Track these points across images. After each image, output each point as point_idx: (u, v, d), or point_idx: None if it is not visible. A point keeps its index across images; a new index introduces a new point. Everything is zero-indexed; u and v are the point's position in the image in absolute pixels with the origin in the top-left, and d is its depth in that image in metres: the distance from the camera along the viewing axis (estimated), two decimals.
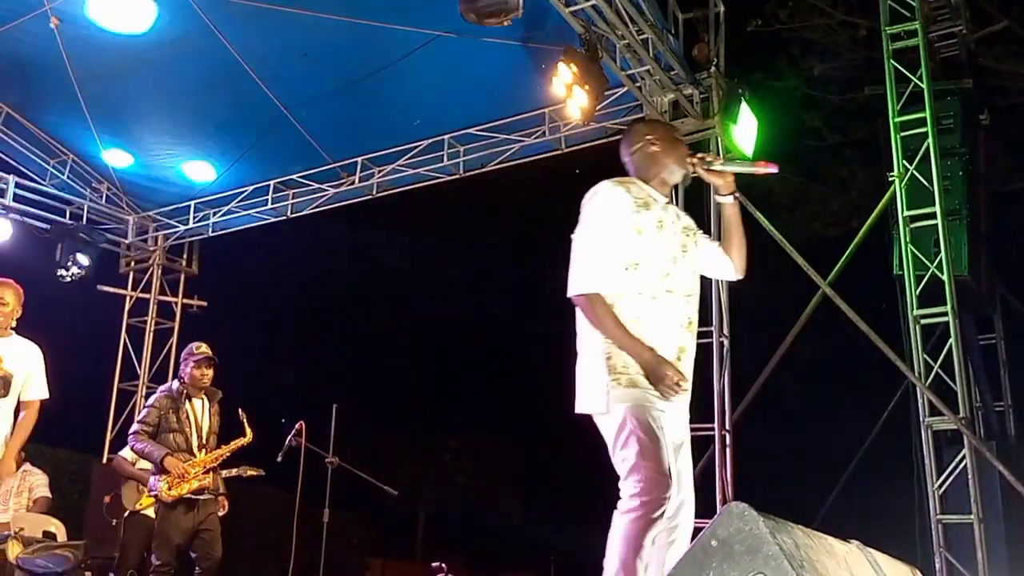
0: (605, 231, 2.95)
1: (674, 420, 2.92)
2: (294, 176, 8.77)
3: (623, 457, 2.78)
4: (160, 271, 9.71)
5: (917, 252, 6.25)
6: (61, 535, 6.43)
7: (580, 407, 2.93)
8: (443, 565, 6.65)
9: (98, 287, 9.26)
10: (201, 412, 5.73)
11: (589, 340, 2.94)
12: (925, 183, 6.27)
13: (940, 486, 5.81)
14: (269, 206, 8.97)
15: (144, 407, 5.77)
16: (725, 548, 1.87)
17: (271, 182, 8.88)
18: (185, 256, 9.89)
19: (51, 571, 5.48)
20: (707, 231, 3.32)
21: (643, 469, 2.71)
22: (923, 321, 6.11)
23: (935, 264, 6.14)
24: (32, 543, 5.61)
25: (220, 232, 9.45)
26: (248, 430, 5.74)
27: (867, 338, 6.14)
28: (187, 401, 5.66)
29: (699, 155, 3.13)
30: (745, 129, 6.71)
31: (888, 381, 7.04)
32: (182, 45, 7.13)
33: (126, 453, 6.34)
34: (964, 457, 5.75)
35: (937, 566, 5.66)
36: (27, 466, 6.48)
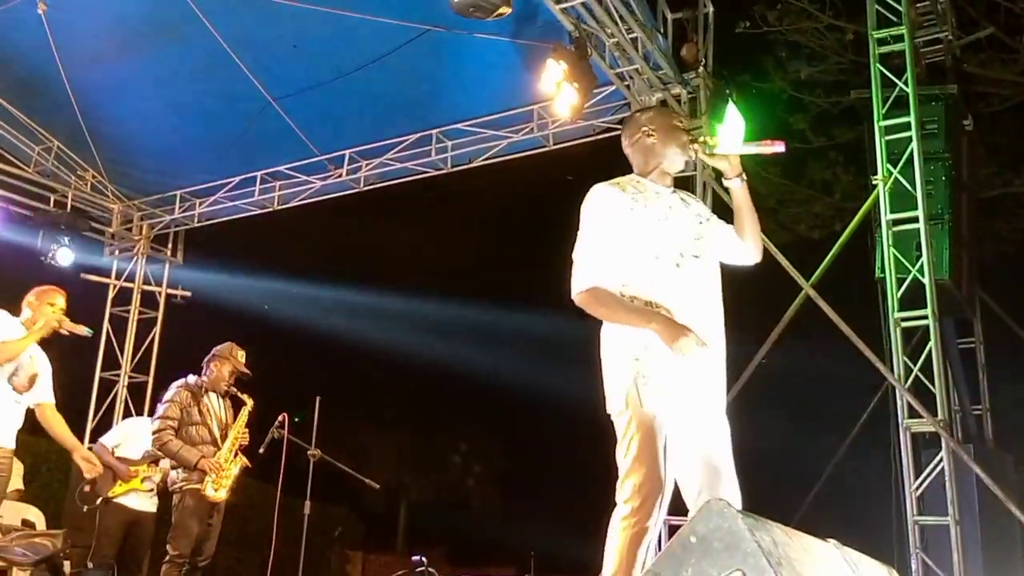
0: (603, 232, 2.93)
1: (704, 423, 2.87)
2: (281, 168, 8.75)
3: (623, 459, 2.78)
4: (144, 260, 9.67)
5: (899, 256, 6.29)
6: (40, 524, 6.40)
7: (608, 406, 2.89)
8: (423, 559, 6.65)
9: (81, 275, 9.20)
10: (217, 406, 5.83)
11: (613, 339, 2.90)
12: (908, 187, 6.32)
13: (917, 488, 5.86)
14: (256, 197, 8.94)
15: (162, 402, 5.77)
16: (704, 544, 1.88)
17: (258, 173, 8.84)
18: (170, 246, 9.84)
19: (30, 559, 5.45)
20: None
21: (638, 475, 2.71)
22: (904, 324, 6.16)
23: (917, 268, 6.19)
24: (11, 531, 5.59)
25: (206, 222, 9.41)
26: (244, 397, 5.81)
27: (848, 340, 6.20)
28: (205, 395, 5.75)
29: (700, 140, 3.06)
30: (732, 130, 6.73)
31: (868, 383, 7.10)
32: (169, 33, 7.10)
33: (107, 441, 6.32)
34: (942, 459, 5.81)
35: (913, 567, 5.71)
36: None
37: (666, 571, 1.91)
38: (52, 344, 5.14)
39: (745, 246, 3.10)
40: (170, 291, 9.74)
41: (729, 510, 1.92)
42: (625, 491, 2.72)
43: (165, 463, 5.97)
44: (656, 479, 2.70)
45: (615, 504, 2.77)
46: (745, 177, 3.05)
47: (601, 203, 2.98)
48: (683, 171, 3.25)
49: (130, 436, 6.33)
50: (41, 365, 4.97)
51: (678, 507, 2.86)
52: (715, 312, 2.99)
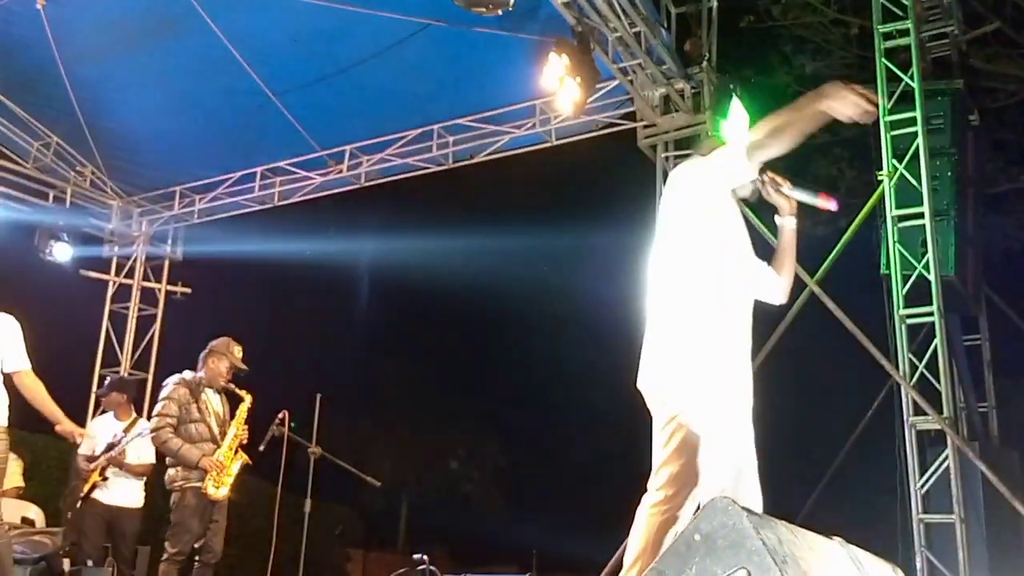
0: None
1: (740, 424, 2.89)
2: (281, 164, 8.71)
3: (661, 449, 2.85)
4: (144, 257, 9.64)
5: (904, 252, 6.25)
6: (40, 521, 6.39)
7: (650, 381, 2.91)
8: (424, 557, 6.60)
9: (81, 272, 9.18)
10: (215, 402, 5.76)
11: (688, 339, 2.89)
12: (914, 183, 6.27)
13: (923, 485, 5.82)
14: (256, 193, 8.91)
15: (161, 399, 5.69)
16: (708, 543, 1.86)
17: (258, 169, 8.82)
18: (170, 242, 9.81)
19: (29, 557, 5.43)
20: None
21: (675, 466, 2.79)
22: (909, 321, 6.11)
23: (922, 264, 6.14)
24: (10, 529, 5.56)
25: (206, 219, 9.38)
26: (243, 393, 5.75)
27: (853, 336, 6.15)
28: (204, 391, 5.67)
29: (770, 175, 3.13)
30: (735, 125, 6.69)
31: (873, 380, 7.05)
32: (169, 28, 7.07)
33: (82, 450, 6.26)
34: (947, 457, 5.76)
35: (918, 565, 5.67)
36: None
37: (670, 569, 1.89)
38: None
39: (779, 285, 3.20)
40: (170, 287, 9.71)
41: (734, 508, 1.89)
42: (660, 478, 2.82)
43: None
44: (692, 471, 2.75)
45: (645, 491, 2.84)
46: (796, 218, 3.17)
47: (705, 181, 3.00)
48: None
49: (96, 435, 6.37)
50: (5, 330, 4.73)
51: None
52: (750, 327, 3.07)
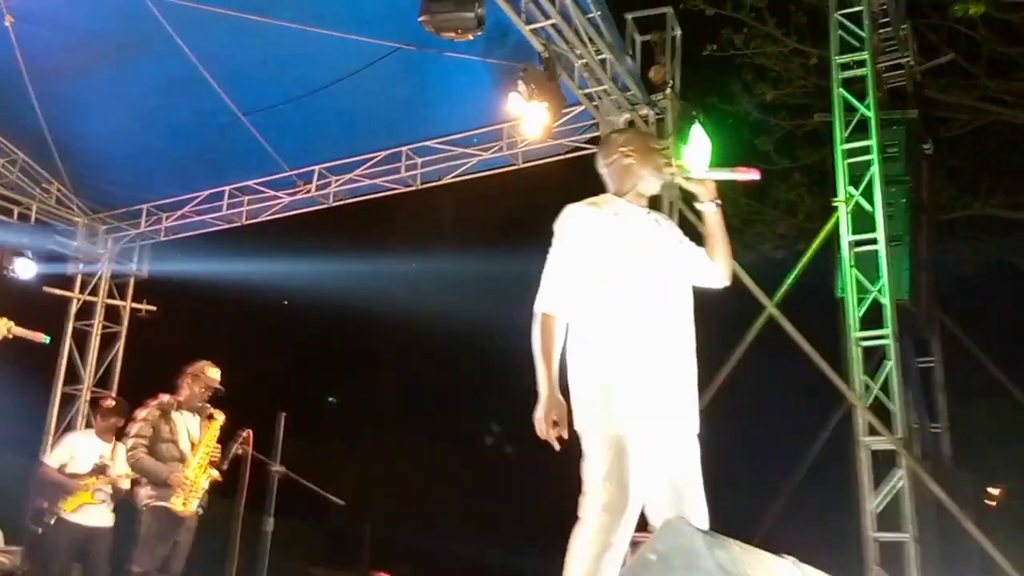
0: (575, 250, 2.95)
1: (674, 443, 2.89)
2: (250, 183, 8.72)
3: (589, 476, 2.79)
4: (109, 274, 9.57)
5: (860, 276, 6.42)
6: None
7: (575, 422, 2.89)
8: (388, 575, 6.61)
9: (44, 289, 9.08)
10: (188, 422, 5.82)
11: (584, 357, 2.92)
12: (869, 209, 6.46)
13: (876, 505, 5.96)
14: (224, 212, 8.89)
15: (136, 421, 5.77)
16: (663, 562, 1.90)
17: (226, 188, 8.81)
18: (135, 260, 9.74)
19: None
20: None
21: (604, 492, 2.72)
22: (864, 343, 6.28)
23: (877, 288, 6.32)
24: None
25: (173, 237, 9.34)
26: (216, 412, 5.81)
27: (810, 358, 6.29)
28: (177, 412, 5.75)
29: (677, 163, 3.12)
30: (698, 151, 6.83)
31: (830, 401, 7.20)
32: (139, 47, 7.06)
33: (52, 460, 6.25)
34: (900, 477, 5.91)
35: None
36: None
37: None
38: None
39: (716, 269, 3.15)
40: (135, 305, 9.64)
41: (688, 528, 1.95)
42: (591, 507, 2.73)
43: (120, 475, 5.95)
44: (623, 496, 2.71)
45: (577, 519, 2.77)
46: (719, 202, 3.11)
47: (577, 221, 3.01)
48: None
49: (77, 451, 6.30)
50: None
51: (644, 524, 2.88)
52: (688, 332, 3.03)
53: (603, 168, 3.23)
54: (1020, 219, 10.67)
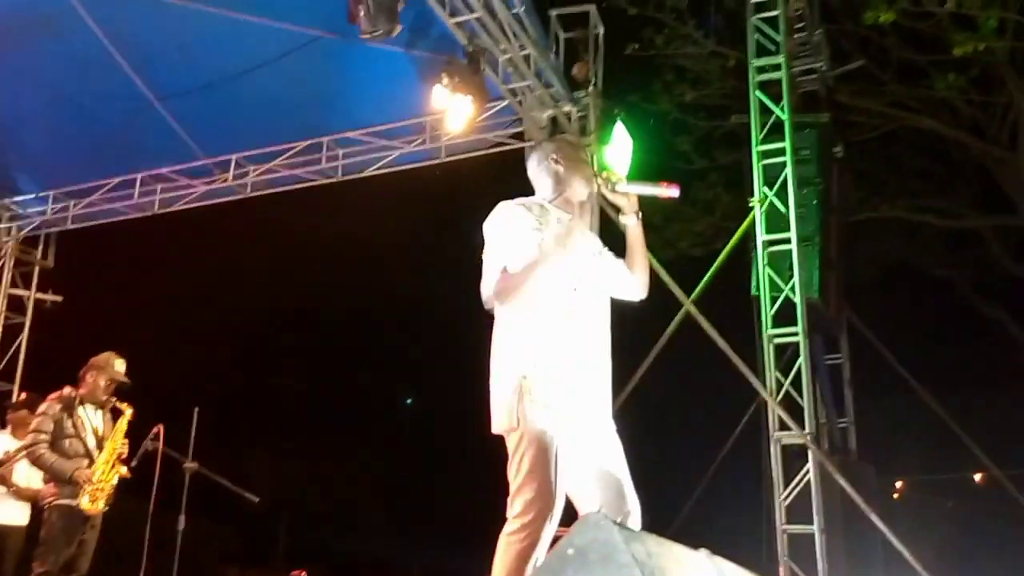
0: (508, 245, 2.98)
1: (597, 439, 2.94)
2: (163, 170, 8.45)
3: (514, 476, 2.81)
4: (12, 263, 9.18)
5: (773, 275, 6.58)
6: None
7: (493, 426, 2.92)
8: (304, 574, 6.53)
9: None
10: (94, 417, 5.62)
11: (502, 357, 2.95)
12: (783, 209, 6.62)
13: (786, 498, 6.12)
14: (135, 200, 8.59)
15: (36, 416, 5.54)
16: (580, 557, 1.91)
17: (138, 175, 8.52)
18: (41, 248, 9.37)
19: None
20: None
21: (529, 492, 2.75)
22: (776, 340, 6.44)
23: (789, 287, 6.48)
24: None
25: (81, 225, 9.00)
26: (123, 406, 5.64)
27: (725, 355, 6.43)
28: (81, 406, 5.54)
29: (603, 175, 3.17)
30: (619, 149, 6.91)
31: (744, 397, 7.37)
32: (46, 27, 6.77)
33: None
34: (809, 471, 6.08)
35: (781, 574, 5.96)
36: None
37: None
38: None
39: (634, 281, 3.21)
40: (39, 295, 9.28)
41: (605, 522, 1.96)
42: (516, 507, 2.76)
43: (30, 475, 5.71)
44: (547, 495, 2.74)
45: (505, 519, 2.79)
46: (641, 215, 3.17)
47: (507, 219, 3.04)
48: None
49: None
50: None
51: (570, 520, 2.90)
52: (604, 337, 3.09)
53: (533, 172, 3.28)
54: (924, 222, 11.13)
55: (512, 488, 2.81)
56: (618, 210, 3.22)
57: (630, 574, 1.89)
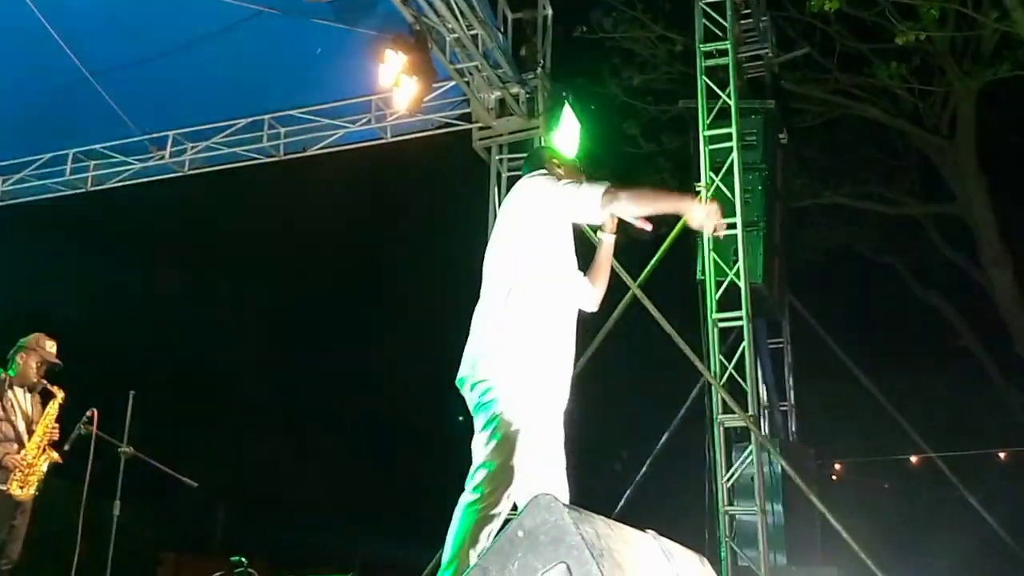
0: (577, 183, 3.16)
1: (550, 425, 3.10)
2: (96, 147, 8.19)
3: (481, 449, 2.90)
4: None
5: (718, 259, 6.62)
6: None
7: (464, 371, 3.03)
8: (243, 560, 6.42)
9: None
10: (24, 400, 5.47)
11: (510, 330, 3.01)
12: (728, 195, 6.66)
13: (728, 480, 6.19)
14: (67, 176, 8.32)
15: None
16: (531, 538, 1.91)
17: (70, 152, 8.24)
18: None
19: None
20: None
21: (493, 465, 2.85)
22: (720, 324, 6.49)
23: (733, 271, 6.53)
24: None
25: (9, 202, 8.67)
26: (55, 389, 5.50)
27: (671, 338, 6.46)
28: (10, 389, 5.38)
29: None
30: (567, 132, 6.89)
31: (688, 379, 7.43)
32: None
33: None
34: (751, 453, 6.16)
35: (723, 555, 6.03)
36: None
37: (494, 566, 1.93)
38: None
39: (593, 294, 3.38)
40: None
41: (556, 504, 1.95)
42: (477, 478, 2.86)
43: None
44: (509, 471, 2.84)
45: (463, 490, 2.89)
46: (615, 235, 3.35)
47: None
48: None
49: None
50: None
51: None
52: (574, 333, 3.24)
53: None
54: (866, 208, 11.34)
55: (477, 460, 2.90)
56: (599, 226, 3.35)
57: (580, 555, 1.89)
